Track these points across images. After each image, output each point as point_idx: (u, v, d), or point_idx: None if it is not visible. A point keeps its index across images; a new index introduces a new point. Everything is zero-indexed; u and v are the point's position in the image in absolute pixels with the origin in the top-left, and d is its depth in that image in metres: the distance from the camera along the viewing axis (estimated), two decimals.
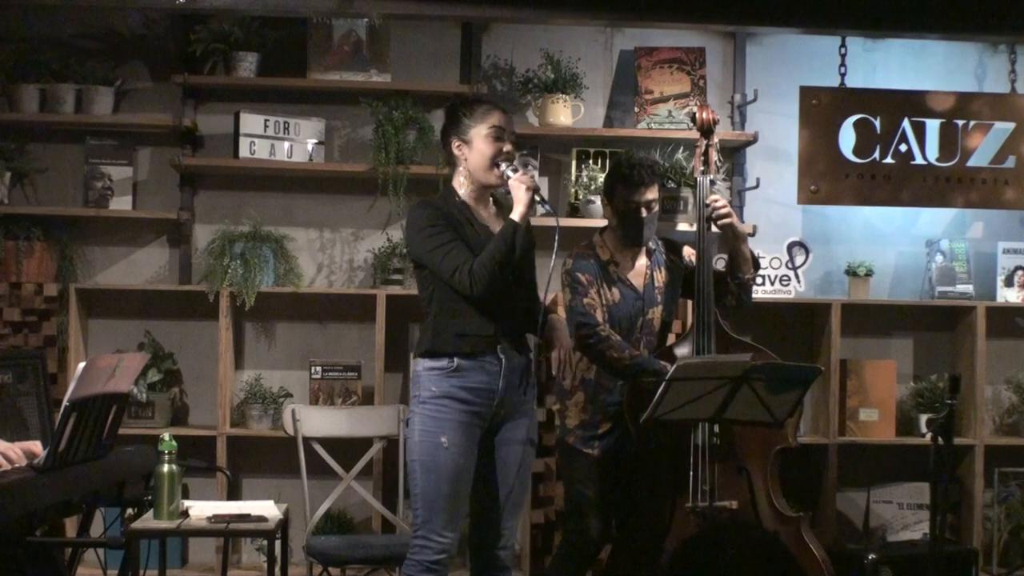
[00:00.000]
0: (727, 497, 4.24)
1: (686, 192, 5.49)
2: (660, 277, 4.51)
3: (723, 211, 4.41)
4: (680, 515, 4.27)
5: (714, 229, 4.49)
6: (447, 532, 3.80)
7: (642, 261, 4.50)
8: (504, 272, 3.77)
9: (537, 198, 3.83)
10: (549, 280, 3.84)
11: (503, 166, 3.87)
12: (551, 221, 4.10)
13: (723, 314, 4.48)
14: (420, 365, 3.88)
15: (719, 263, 4.72)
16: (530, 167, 5.49)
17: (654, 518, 4.32)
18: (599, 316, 4.35)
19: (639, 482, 4.41)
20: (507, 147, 3.88)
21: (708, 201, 4.44)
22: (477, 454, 3.86)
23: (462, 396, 3.82)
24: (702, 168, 4.52)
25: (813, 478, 5.53)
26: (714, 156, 4.55)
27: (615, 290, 4.43)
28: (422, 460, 3.81)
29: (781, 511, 4.35)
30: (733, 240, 4.47)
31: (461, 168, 3.93)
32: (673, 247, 4.61)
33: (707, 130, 4.55)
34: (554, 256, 3.81)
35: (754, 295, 5.48)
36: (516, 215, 3.79)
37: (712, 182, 4.53)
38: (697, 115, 4.59)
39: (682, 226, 5.46)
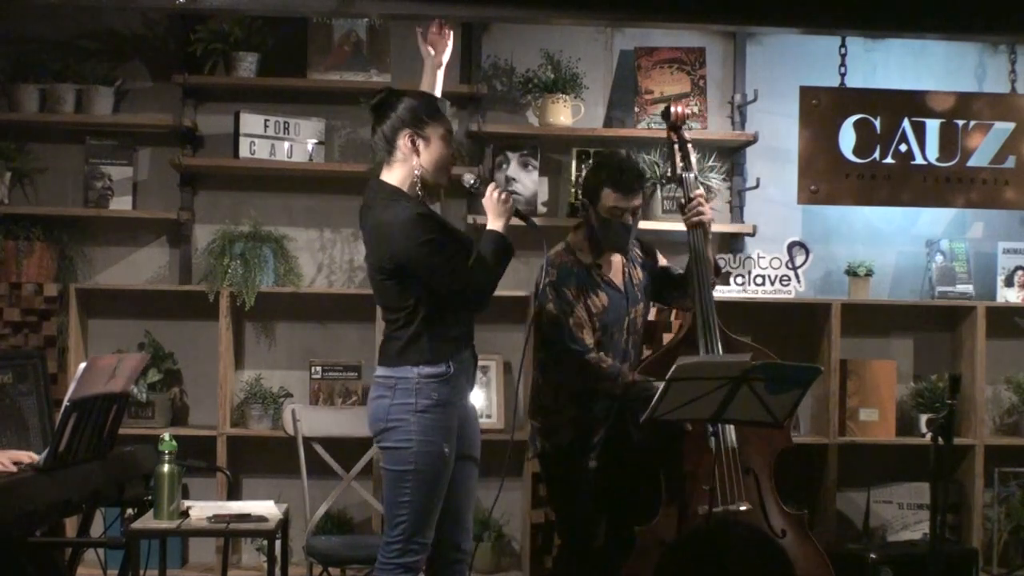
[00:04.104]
0: (740, 500, 4.23)
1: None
2: (637, 275, 4.46)
3: (699, 208, 4.37)
4: (691, 520, 4.24)
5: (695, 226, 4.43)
6: (430, 534, 3.81)
7: (618, 259, 4.43)
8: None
9: (519, 219, 3.87)
10: (543, 282, 3.83)
11: (468, 177, 3.92)
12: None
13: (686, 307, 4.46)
14: (413, 372, 3.76)
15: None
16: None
17: (663, 524, 4.27)
18: (588, 335, 4.25)
19: (641, 488, 4.38)
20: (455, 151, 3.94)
21: (692, 195, 4.41)
22: None
23: (454, 400, 3.80)
24: (682, 164, 4.47)
25: (813, 478, 5.53)
26: (693, 154, 4.51)
27: (602, 294, 4.33)
28: (421, 470, 3.73)
29: (788, 510, 4.35)
30: (702, 242, 4.39)
31: (406, 163, 3.83)
32: (643, 245, 4.56)
33: (679, 125, 4.49)
34: (544, 265, 3.91)
35: (754, 295, 5.52)
36: (499, 227, 3.81)
37: (695, 178, 4.49)
38: (672, 110, 4.51)
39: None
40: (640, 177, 4.37)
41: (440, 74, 4.25)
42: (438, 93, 4.19)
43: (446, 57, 4.27)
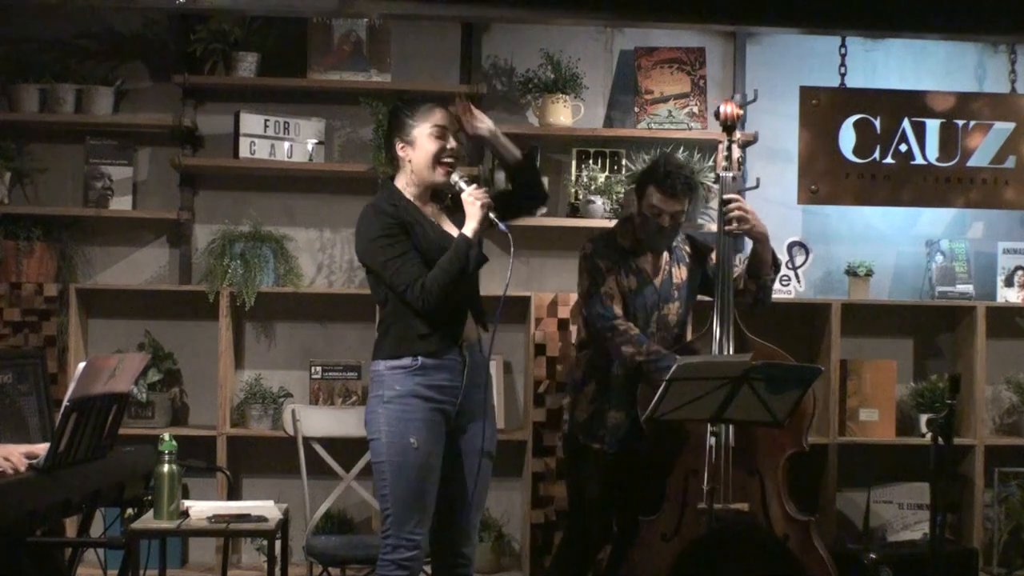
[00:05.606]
0: (739, 499, 4.24)
1: None
2: (679, 273, 4.49)
3: (737, 215, 4.39)
4: (690, 515, 4.27)
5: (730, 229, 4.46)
6: (418, 530, 3.81)
7: (662, 256, 4.48)
8: (457, 289, 3.76)
9: (492, 216, 3.79)
10: (507, 287, 3.80)
11: (455, 176, 3.87)
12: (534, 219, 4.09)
13: (739, 313, 4.47)
14: (382, 365, 3.84)
15: (739, 264, 4.67)
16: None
17: (664, 517, 4.32)
18: (617, 307, 4.33)
19: (650, 480, 4.40)
20: (451, 144, 3.86)
21: (725, 198, 4.43)
22: (443, 452, 3.85)
23: (427, 394, 3.80)
24: (724, 164, 4.52)
25: (813, 478, 5.53)
26: (736, 153, 4.56)
27: (632, 279, 4.41)
28: (391, 461, 3.78)
29: (792, 515, 4.36)
30: (753, 242, 4.47)
31: (405, 169, 3.91)
32: (696, 245, 4.59)
33: (731, 125, 4.56)
34: (510, 271, 3.79)
35: None
36: (469, 231, 3.77)
37: (734, 179, 4.52)
38: (722, 110, 4.59)
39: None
40: (686, 184, 4.37)
41: (500, 138, 4.00)
42: (517, 153, 4.00)
43: (490, 124, 4.00)
